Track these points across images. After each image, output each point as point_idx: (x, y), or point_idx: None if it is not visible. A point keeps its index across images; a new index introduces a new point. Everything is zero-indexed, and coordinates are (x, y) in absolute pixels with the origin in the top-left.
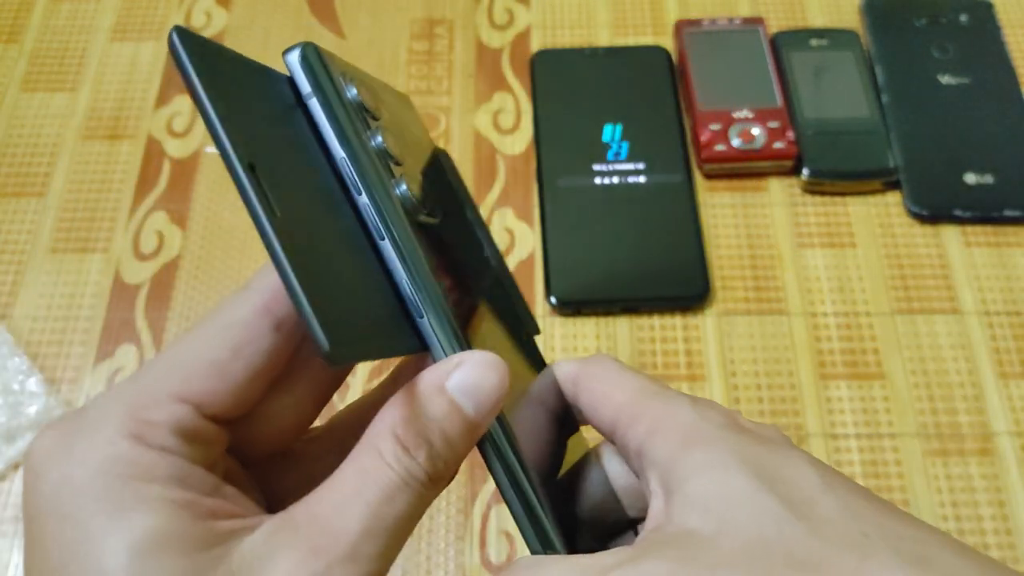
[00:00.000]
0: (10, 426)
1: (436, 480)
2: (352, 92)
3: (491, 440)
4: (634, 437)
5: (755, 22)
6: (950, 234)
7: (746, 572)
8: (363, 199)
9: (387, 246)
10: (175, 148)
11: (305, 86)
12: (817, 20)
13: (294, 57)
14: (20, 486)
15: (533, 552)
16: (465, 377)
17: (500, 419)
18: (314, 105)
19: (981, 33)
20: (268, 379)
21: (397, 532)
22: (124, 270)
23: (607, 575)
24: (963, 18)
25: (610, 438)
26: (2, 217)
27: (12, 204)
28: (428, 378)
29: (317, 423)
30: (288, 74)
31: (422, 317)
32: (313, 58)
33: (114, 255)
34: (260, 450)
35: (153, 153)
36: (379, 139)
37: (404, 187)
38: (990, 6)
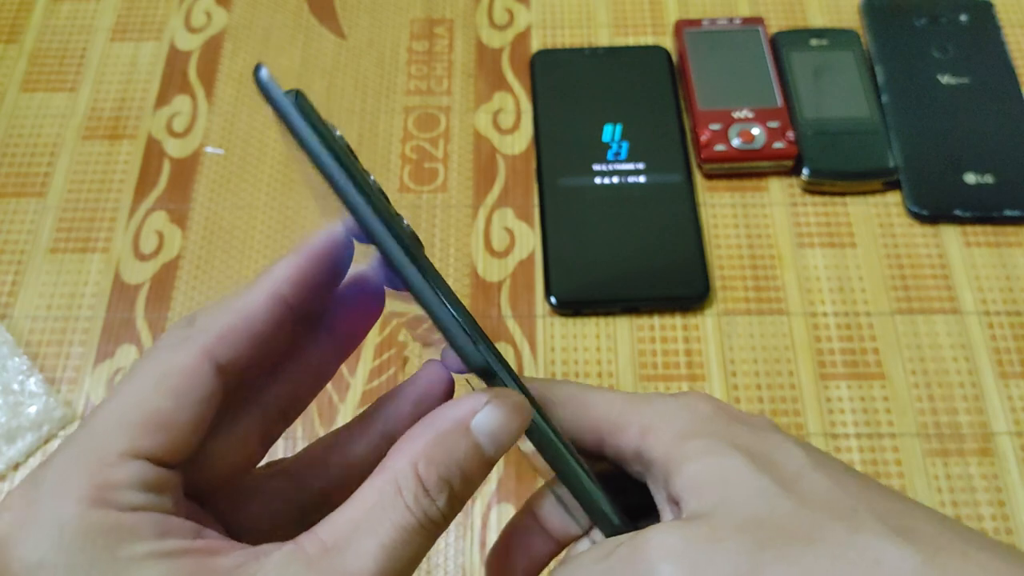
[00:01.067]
0: (10, 426)
1: (449, 519)
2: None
3: (544, 429)
4: (628, 443)
5: (755, 22)
6: (950, 234)
7: (743, 546)
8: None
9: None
10: (175, 148)
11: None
12: (817, 20)
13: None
14: None
15: (612, 531)
16: (492, 419)
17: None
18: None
19: (981, 33)
20: (212, 421)
21: (408, 571)
22: (124, 270)
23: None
24: (963, 18)
25: (596, 454)
26: (2, 217)
27: (12, 204)
28: (454, 415)
29: (284, 455)
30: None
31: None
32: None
33: (114, 255)
34: (209, 486)
35: (153, 153)
36: (373, 178)
37: (406, 223)
38: (990, 6)
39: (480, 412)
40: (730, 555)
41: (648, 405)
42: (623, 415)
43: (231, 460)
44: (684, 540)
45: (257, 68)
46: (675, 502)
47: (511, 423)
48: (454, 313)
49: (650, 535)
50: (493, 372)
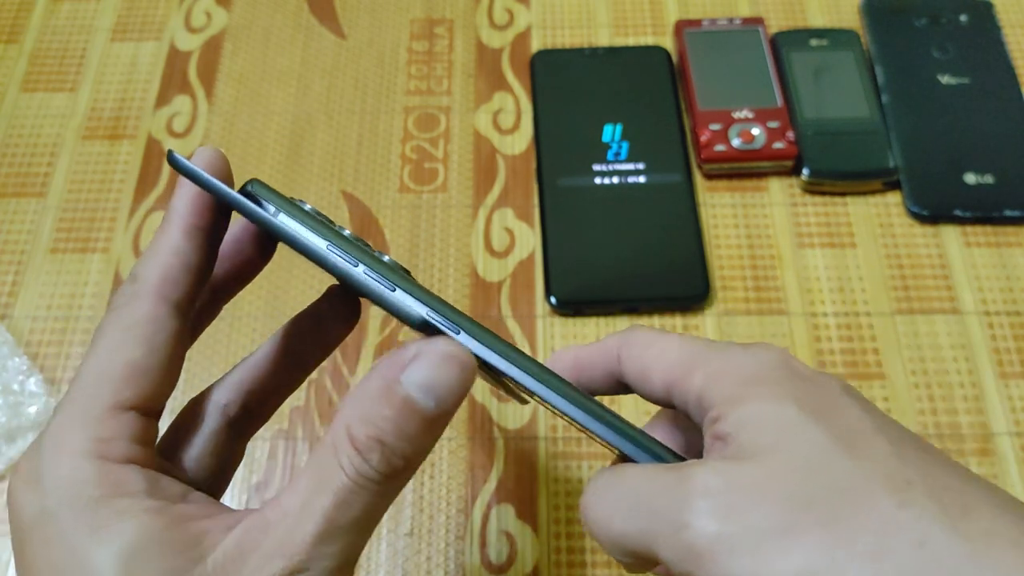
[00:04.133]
0: (10, 426)
1: (395, 477)
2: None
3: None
4: (692, 388)
5: (755, 22)
6: (950, 234)
7: (788, 494)
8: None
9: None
10: (175, 148)
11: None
12: (817, 20)
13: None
14: None
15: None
16: (421, 372)
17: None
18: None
19: (981, 33)
20: (182, 357)
21: (358, 529)
22: (124, 270)
23: (684, 475)
24: (963, 18)
25: (666, 401)
26: (2, 217)
27: (12, 204)
28: (382, 372)
29: None
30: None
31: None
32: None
33: (114, 255)
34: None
35: (153, 153)
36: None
37: (388, 257)
38: (990, 6)
39: (409, 366)
40: (770, 506)
41: (717, 352)
42: (692, 361)
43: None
44: (727, 481)
45: (169, 154)
46: (722, 439)
47: (443, 373)
48: (355, 261)
49: (695, 470)
50: (428, 322)
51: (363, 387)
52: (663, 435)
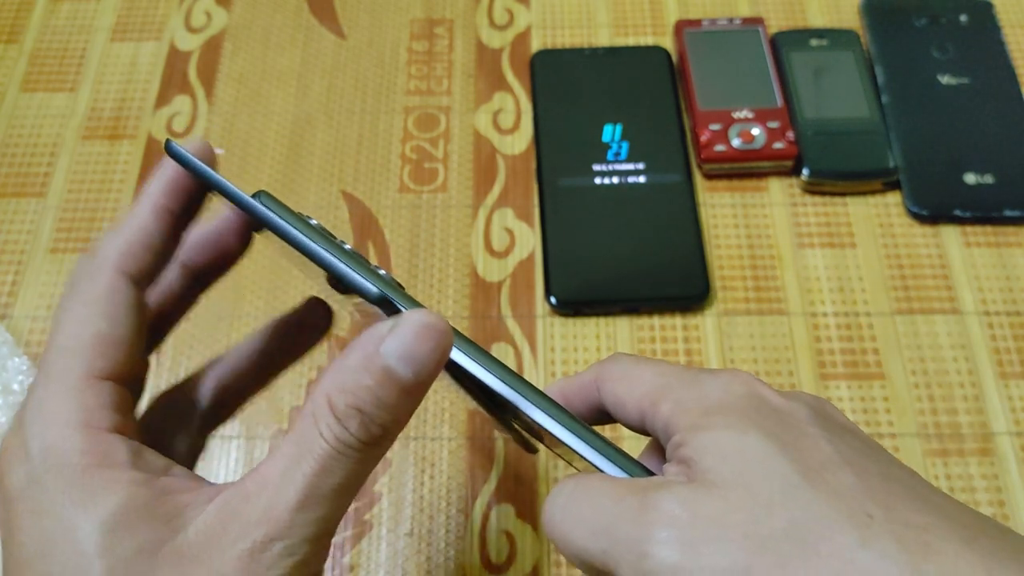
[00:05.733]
0: (11, 426)
1: (375, 445)
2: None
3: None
4: (660, 416)
5: (755, 22)
6: (950, 234)
7: (748, 532)
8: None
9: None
10: None
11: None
12: (817, 20)
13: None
14: None
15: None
16: (399, 342)
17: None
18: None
19: (981, 33)
20: (145, 328)
21: (338, 497)
22: None
23: (646, 492)
24: (963, 18)
25: (641, 430)
26: (2, 217)
27: (12, 204)
28: (361, 343)
29: None
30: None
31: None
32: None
33: None
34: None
35: (153, 153)
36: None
37: (384, 272)
38: (990, 6)
39: (387, 337)
40: (729, 544)
41: (686, 381)
42: (661, 390)
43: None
44: (689, 512)
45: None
46: (685, 463)
47: (420, 342)
48: (320, 246)
49: (658, 496)
50: (389, 298)
51: (343, 359)
52: (654, 465)
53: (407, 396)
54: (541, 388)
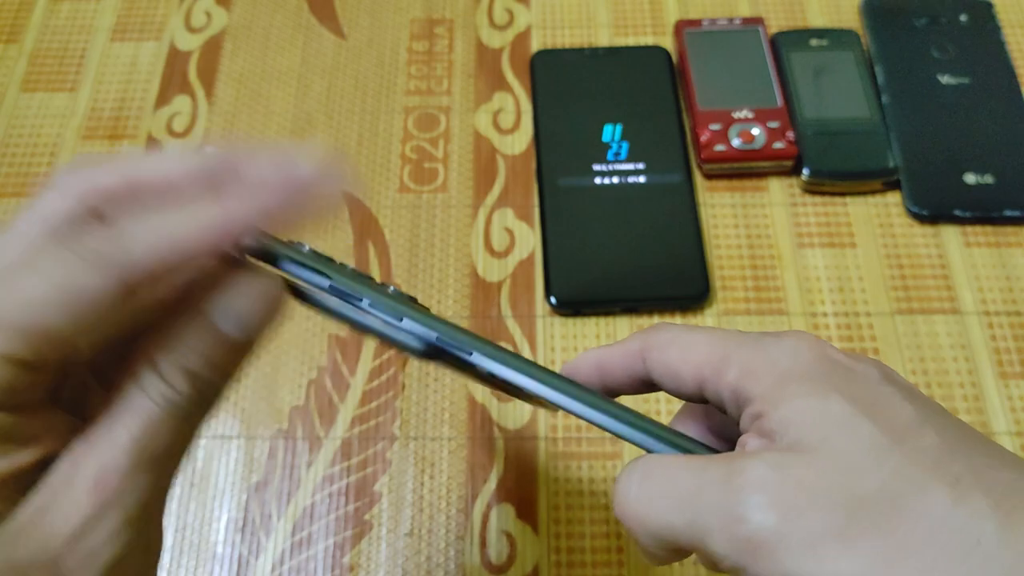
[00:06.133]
0: None
1: (201, 402)
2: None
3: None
4: (726, 385)
5: (755, 22)
6: (950, 234)
7: (842, 495)
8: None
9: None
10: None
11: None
12: (817, 20)
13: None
14: None
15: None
16: (226, 301)
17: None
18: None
19: (981, 33)
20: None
21: (168, 457)
22: None
23: (735, 467)
24: (963, 18)
25: (698, 398)
26: (2, 217)
27: (12, 204)
28: (186, 305)
29: None
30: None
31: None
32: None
33: None
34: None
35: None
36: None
37: (392, 288)
38: (990, 6)
39: (214, 297)
40: (825, 506)
41: (748, 346)
42: (724, 357)
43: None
44: (781, 476)
45: None
46: (768, 436)
47: (246, 300)
48: None
49: (747, 463)
50: (437, 346)
51: (169, 321)
52: (694, 431)
53: (234, 354)
54: (575, 358)
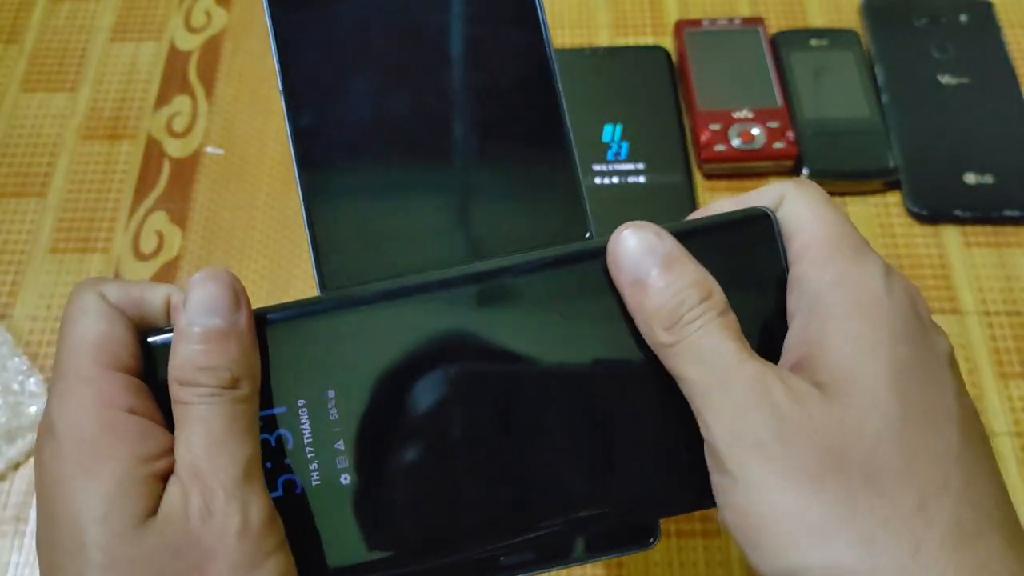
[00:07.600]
0: (10, 426)
1: (232, 385)
2: None
3: None
4: (817, 279)
5: (755, 22)
6: (950, 234)
7: (833, 439)
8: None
9: None
10: (175, 148)
11: None
12: (817, 20)
13: None
14: (20, 486)
15: None
16: (191, 302)
17: None
18: None
19: (981, 33)
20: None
21: (244, 434)
22: (124, 270)
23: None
24: (963, 18)
25: (791, 261)
26: (2, 217)
27: (12, 204)
28: (173, 320)
29: None
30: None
31: None
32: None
33: (114, 255)
34: None
35: (153, 153)
36: None
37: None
38: (990, 6)
39: (185, 305)
40: (812, 448)
41: (857, 257)
42: (831, 247)
43: None
44: (791, 416)
45: None
46: (810, 366)
47: (205, 292)
48: None
49: (772, 384)
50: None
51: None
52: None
53: (233, 338)
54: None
